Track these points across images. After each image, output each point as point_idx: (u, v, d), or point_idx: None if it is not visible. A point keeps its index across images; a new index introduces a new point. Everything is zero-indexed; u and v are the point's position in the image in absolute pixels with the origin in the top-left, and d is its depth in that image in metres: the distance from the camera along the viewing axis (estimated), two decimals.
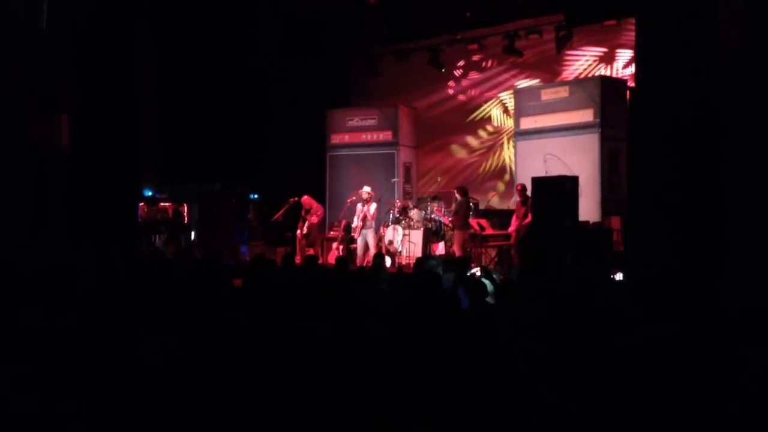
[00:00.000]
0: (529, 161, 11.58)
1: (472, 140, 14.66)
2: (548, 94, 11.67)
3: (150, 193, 13.64)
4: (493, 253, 11.04)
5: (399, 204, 12.18)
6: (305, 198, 11.78)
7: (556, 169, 10.78)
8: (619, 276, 7.55)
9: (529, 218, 9.84)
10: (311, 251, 11.26)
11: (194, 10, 12.70)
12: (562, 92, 11.50)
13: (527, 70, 13.76)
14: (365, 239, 11.16)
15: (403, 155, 13.47)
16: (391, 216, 11.94)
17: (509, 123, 13.75)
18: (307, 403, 2.63)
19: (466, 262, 7.48)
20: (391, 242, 11.62)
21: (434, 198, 13.02)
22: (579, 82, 11.99)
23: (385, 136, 13.49)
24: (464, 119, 14.69)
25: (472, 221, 10.89)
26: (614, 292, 4.66)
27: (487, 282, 5.25)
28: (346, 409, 2.64)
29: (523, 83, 13.62)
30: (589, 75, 12.72)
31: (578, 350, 3.16)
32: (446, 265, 6.07)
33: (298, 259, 9.71)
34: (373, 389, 2.75)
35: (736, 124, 6.60)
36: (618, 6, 11.08)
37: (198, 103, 13.35)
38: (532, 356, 2.89)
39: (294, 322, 3.16)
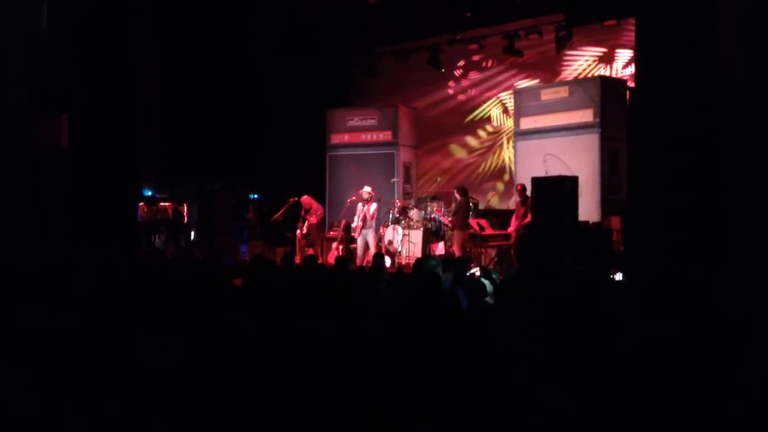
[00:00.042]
0: (529, 161, 11.58)
1: (471, 140, 14.66)
2: (548, 94, 11.67)
3: (150, 193, 13.64)
4: (492, 253, 11.04)
5: (399, 204, 12.18)
6: (305, 198, 11.78)
7: (555, 169, 10.78)
8: (619, 276, 7.54)
9: (529, 218, 9.84)
10: (311, 251, 11.26)
11: (194, 10, 12.70)
12: (562, 92, 11.49)
13: (527, 70, 13.75)
14: (365, 239, 11.17)
15: (403, 155, 13.46)
16: (390, 216, 11.94)
17: (509, 123, 13.74)
18: (307, 403, 2.63)
19: (465, 262, 7.48)
20: (390, 242, 11.63)
21: (434, 198, 13.02)
22: (579, 82, 11.99)
23: (385, 136, 13.48)
24: (464, 119, 14.69)
25: (472, 221, 10.89)
26: (614, 292, 4.66)
27: (486, 282, 5.25)
28: (345, 408, 2.64)
29: (523, 83, 13.61)
30: (589, 75, 12.72)
31: (577, 350, 3.15)
32: (445, 265, 6.07)
33: (297, 259, 9.70)
34: (372, 389, 2.75)
35: (736, 125, 6.60)
36: (618, 6, 11.08)
37: (198, 103, 13.35)
38: (531, 356, 2.89)
39: (293, 322, 3.16)
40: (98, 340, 3.12)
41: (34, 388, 2.57)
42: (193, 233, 13.30)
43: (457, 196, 10.96)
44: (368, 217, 11.12)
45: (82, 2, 9.12)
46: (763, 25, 6.49)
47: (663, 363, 2.72)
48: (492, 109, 14.37)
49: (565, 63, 13.21)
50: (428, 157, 14.96)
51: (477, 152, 14.57)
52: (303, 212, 11.78)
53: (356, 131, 13.80)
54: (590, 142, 10.88)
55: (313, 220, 11.70)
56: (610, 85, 11.20)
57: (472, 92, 14.63)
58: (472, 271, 7.29)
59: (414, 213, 11.92)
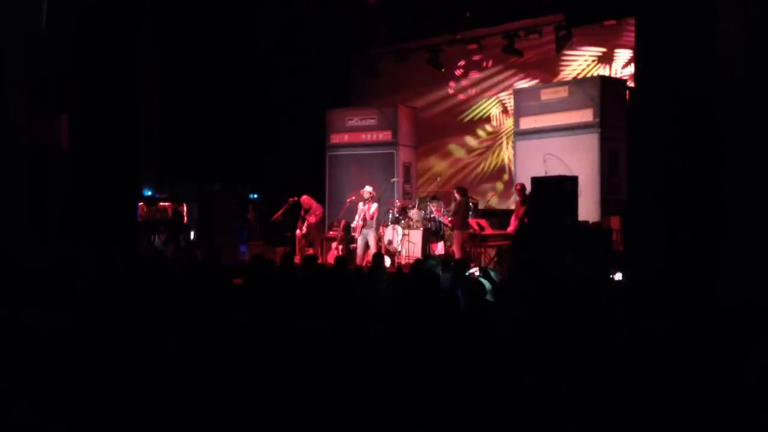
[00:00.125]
0: (529, 161, 11.59)
1: (471, 140, 14.66)
2: (548, 94, 11.67)
3: (149, 193, 13.63)
4: (492, 253, 11.04)
5: (398, 204, 12.18)
6: (304, 198, 11.79)
7: (555, 169, 10.78)
8: (618, 276, 7.54)
9: (521, 215, 9.85)
10: (310, 251, 11.27)
11: (194, 10, 12.69)
12: (562, 92, 11.50)
13: (527, 70, 13.76)
14: (365, 239, 11.17)
15: (403, 155, 13.46)
16: (390, 216, 11.95)
17: (509, 123, 13.75)
18: (307, 403, 2.63)
19: (464, 262, 7.47)
20: (390, 242, 11.63)
21: (433, 198, 13.02)
22: (578, 82, 11.99)
23: (385, 135, 13.48)
24: (464, 119, 14.70)
25: (472, 221, 10.89)
26: (614, 292, 4.66)
27: (485, 282, 5.24)
28: (345, 408, 2.64)
29: (523, 83, 13.62)
30: (589, 75, 12.72)
31: (577, 350, 3.16)
32: (444, 265, 6.08)
33: (297, 259, 9.71)
34: (372, 388, 2.75)
35: (736, 124, 6.60)
36: (618, 6, 11.08)
37: (198, 103, 13.34)
38: (529, 355, 2.90)
39: (293, 322, 3.16)
40: (97, 340, 3.12)
41: (33, 388, 2.58)
42: (192, 233, 13.29)
43: (457, 195, 10.96)
44: (368, 216, 11.12)
45: (82, 2, 9.12)
46: (763, 25, 6.49)
47: (661, 361, 2.72)
48: (492, 108, 14.38)
49: (565, 63, 13.21)
50: (428, 157, 14.97)
51: (476, 152, 14.58)
52: (303, 212, 11.78)
53: (356, 131, 13.80)
54: (590, 142, 10.88)
55: (312, 219, 11.70)
56: (609, 85, 11.20)
57: (472, 92, 14.63)
58: (471, 271, 7.29)
59: (414, 213, 11.92)
